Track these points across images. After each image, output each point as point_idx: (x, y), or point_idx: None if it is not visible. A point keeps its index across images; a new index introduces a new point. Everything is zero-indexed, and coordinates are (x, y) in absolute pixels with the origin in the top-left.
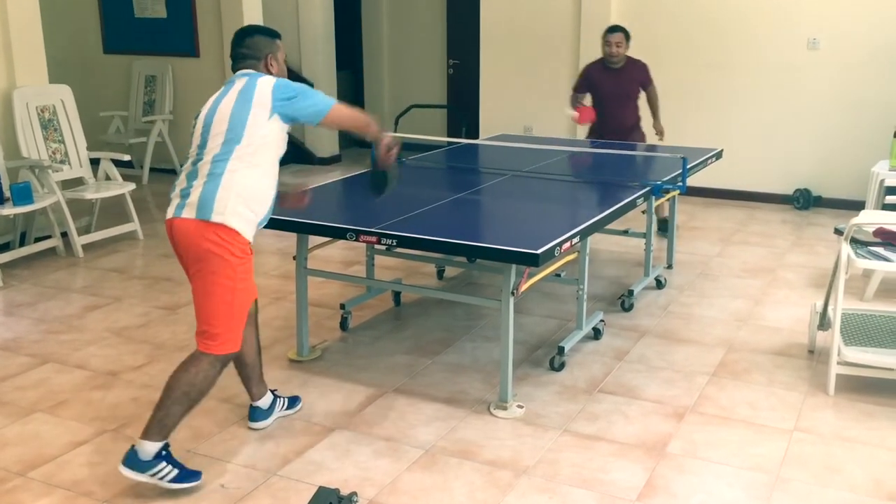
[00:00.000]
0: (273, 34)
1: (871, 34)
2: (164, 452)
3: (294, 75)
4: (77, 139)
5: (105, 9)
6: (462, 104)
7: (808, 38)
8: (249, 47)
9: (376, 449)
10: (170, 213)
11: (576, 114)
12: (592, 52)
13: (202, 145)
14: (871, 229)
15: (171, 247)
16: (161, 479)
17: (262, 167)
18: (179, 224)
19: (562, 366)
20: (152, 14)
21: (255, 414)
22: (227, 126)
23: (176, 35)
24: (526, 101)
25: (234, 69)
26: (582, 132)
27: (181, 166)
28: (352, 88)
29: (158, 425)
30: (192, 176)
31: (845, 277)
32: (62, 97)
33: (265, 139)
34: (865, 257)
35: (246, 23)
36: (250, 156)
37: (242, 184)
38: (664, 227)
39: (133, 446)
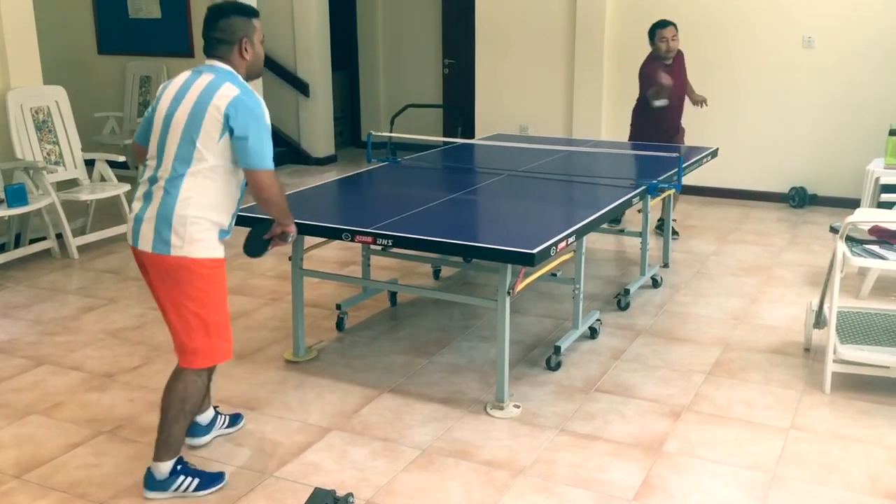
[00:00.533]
0: (250, 12)
1: (866, 32)
2: (178, 467)
3: (290, 76)
4: (72, 140)
5: (99, 9)
6: (458, 104)
7: (803, 36)
8: (223, 31)
9: (373, 449)
10: (129, 238)
11: (668, 81)
12: (589, 51)
13: (159, 160)
14: (866, 227)
15: None
16: (185, 491)
17: (218, 180)
18: (141, 252)
19: (558, 365)
20: (147, 15)
21: (193, 430)
22: (178, 142)
23: (170, 36)
24: (521, 100)
25: (206, 53)
26: (580, 132)
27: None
28: (347, 88)
29: (165, 445)
30: (148, 199)
31: (841, 275)
32: (56, 98)
33: (217, 158)
34: (861, 255)
35: None
36: (203, 176)
37: (196, 213)
38: (667, 226)
39: (149, 468)
